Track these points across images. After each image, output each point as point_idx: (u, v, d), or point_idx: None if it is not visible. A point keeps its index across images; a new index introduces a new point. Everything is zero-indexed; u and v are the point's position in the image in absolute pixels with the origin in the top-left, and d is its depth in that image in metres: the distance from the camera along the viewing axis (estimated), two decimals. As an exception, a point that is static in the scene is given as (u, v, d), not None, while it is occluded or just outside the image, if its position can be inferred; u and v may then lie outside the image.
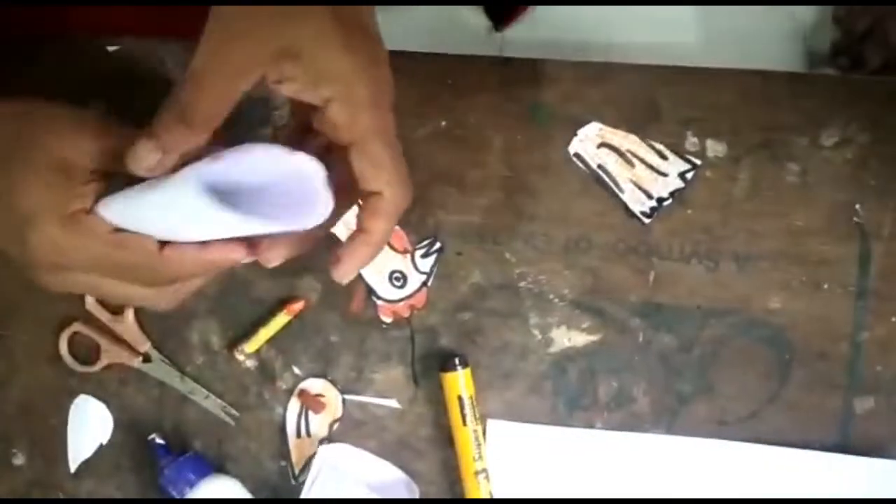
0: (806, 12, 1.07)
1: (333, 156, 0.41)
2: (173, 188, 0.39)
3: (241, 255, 0.42)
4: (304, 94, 0.38)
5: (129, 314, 0.57)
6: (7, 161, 0.41)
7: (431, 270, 0.54)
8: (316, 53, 0.37)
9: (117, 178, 0.42)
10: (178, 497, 0.54)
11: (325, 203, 0.40)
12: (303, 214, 0.40)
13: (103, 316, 0.57)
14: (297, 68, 0.37)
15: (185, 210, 0.39)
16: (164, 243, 0.41)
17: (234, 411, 0.56)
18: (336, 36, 0.37)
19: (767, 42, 1.07)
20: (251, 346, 0.55)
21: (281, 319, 0.55)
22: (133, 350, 0.57)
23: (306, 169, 0.39)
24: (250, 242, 0.42)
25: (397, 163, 0.41)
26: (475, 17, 1.12)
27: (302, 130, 0.42)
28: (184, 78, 0.37)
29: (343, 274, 0.42)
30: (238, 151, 0.39)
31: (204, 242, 0.41)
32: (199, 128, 0.38)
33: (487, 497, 0.53)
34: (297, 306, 0.55)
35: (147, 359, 0.57)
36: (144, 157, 0.38)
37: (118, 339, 0.57)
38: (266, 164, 0.39)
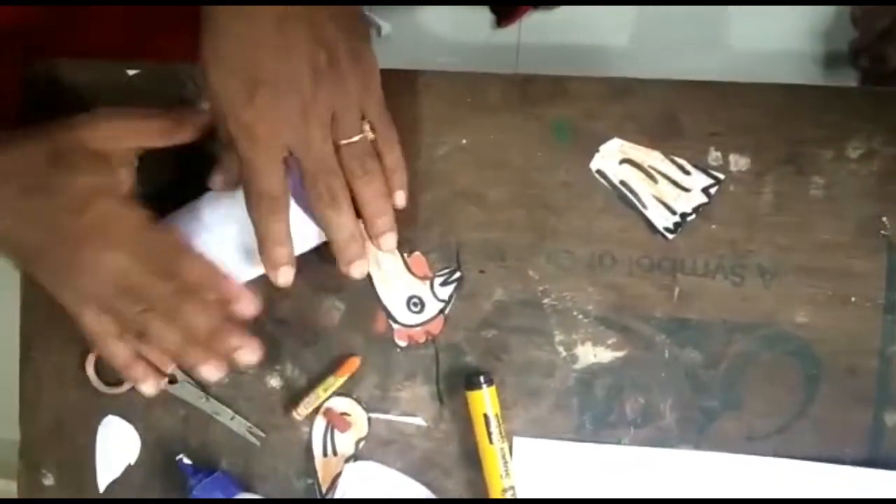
0: (823, 13, 1.06)
1: None
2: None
3: (240, 294, 0.50)
4: None
5: (155, 336, 0.57)
6: (56, 157, 0.48)
7: (450, 298, 0.54)
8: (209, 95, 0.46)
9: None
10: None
11: None
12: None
13: (129, 338, 0.57)
14: None
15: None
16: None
17: (259, 432, 0.57)
18: (213, 75, 0.44)
19: (787, 46, 1.07)
20: (306, 406, 0.55)
21: (337, 381, 0.55)
22: (158, 371, 0.57)
23: None
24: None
25: (249, 189, 0.47)
26: (476, 18, 1.13)
27: None
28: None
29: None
30: None
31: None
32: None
33: (515, 515, 0.53)
34: (352, 364, 0.55)
35: (173, 380, 0.57)
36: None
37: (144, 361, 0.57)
38: None
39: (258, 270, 0.51)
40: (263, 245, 0.48)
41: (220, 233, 0.50)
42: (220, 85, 0.43)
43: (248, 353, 0.49)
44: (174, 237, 0.49)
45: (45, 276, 0.50)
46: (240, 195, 0.48)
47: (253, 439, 0.57)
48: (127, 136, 0.50)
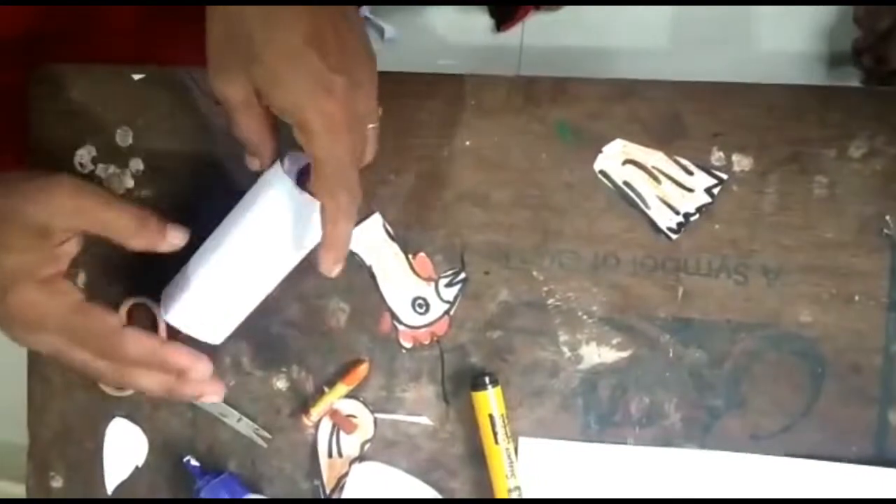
0: (826, 13, 1.06)
1: None
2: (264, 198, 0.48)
3: (192, 365, 0.48)
4: (282, 117, 0.45)
5: (162, 337, 0.57)
6: None
7: (455, 300, 0.55)
8: (271, 92, 0.43)
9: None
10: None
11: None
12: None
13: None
14: (267, 100, 0.44)
15: (281, 213, 0.47)
16: (128, 321, 0.49)
17: (266, 433, 0.57)
18: (289, 74, 0.43)
19: (790, 47, 1.07)
20: (317, 410, 0.56)
21: (346, 388, 0.56)
22: (166, 374, 0.57)
23: None
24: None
25: (339, 186, 0.45)
26: (479, 20, 1.13)
27: None
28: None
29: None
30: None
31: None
32: (264, 139, 0.47)
33: (521, 515, 0.53)
34: (362, 371, 0.56)
35: (180, 382, 0.57)
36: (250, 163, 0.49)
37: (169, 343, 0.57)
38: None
39: (267, 289, 0.51)
40: (335, 247, 0.46)
41: (231, 259, 0.49)
42: (294, 79, 0.42)
43: (214, 395, 0.50)
44: (106, 318, 0.47)
45: None
46: (243, 221, 0.48)
47: (260, 441, 0.57)
48: (83, 219, 0.46)
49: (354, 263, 0.56)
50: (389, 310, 0.55)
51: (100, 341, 0.46)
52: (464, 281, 0.55)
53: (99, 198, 0.46)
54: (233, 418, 0.57)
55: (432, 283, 0.55)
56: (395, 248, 0.55)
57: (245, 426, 0.57)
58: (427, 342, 0.55)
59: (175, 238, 0.49)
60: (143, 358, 0.47)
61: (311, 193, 0.47)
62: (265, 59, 0.42)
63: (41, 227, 0.45)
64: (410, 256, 0.55)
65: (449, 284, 0.55)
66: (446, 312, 0.55)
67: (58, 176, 0.46)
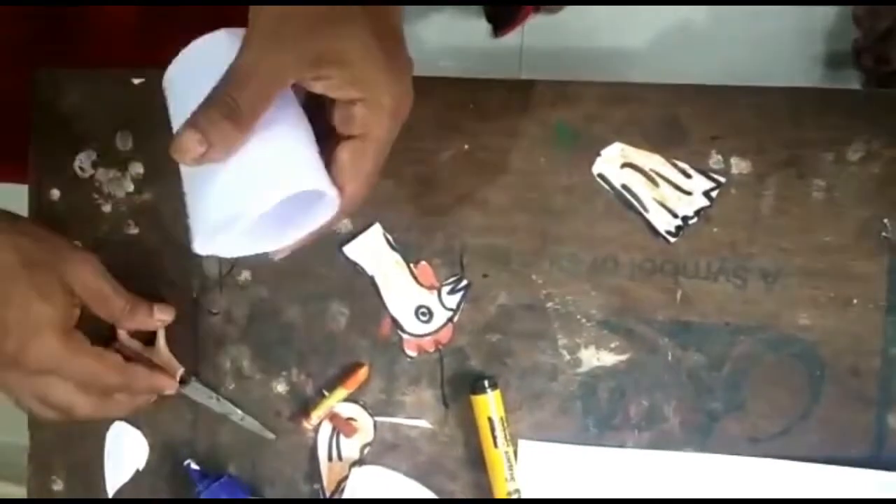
0: (826, 13, 1.06)
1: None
2: None
3: (168, 386, 0.56)
4: (334, 93, 0.40)
5: (162, 342, 0.57)
6: (22, 277, 0.50)
7: (458, 307, 0.55)
8: (356, 62, 0.39)
9: None
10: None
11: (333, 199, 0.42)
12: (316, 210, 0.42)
13: (135, 345, 0.58)
14: (333, 71, 0.39)
15: None
16: (128, 358, 0.54)
17: (271, 434, 0.57)
18: (377, 49, 0.39)
19: (788, 47, 1.07)
20: (317, 413, 0.56)
21: (345, 392, 0.56)
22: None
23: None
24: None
25: (375, 170, 0.42)
26: (479, 22, 1.13)
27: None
28: (226, 76, 0.38)
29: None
30: None
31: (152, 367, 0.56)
32: (245, 124, 0.38)
33: (520, 518, 0.53)
34: (362, 374, 0.56)
35: (183, 380, 0.57)
36: (190, 148, 0.37)
37: (152, 367, 0.58)
38: None
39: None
40: (347, 214, 0.45)
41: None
42: (383, 55, 0.39)
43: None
44: (114, 359, 0.53)
45: None
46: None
47: (268, 434, 0.57)
48: (96, 299, 0.53)
49: (355, 271, 0.56)
50: (392, 318, 0.56)
51: (107, 379, 0.52)
52: (466, 288, 0.55)
53: (111, 285, 0.53)
54: (237, 417, 0.57)
55: (435, 291, 0.55)
56: (396, 257, 0.55)
57: (250, 423, 0.57)
58: (431, 350, 0.55)
59: (163, 316, 0.56)
60: (139, 384, 0.55)
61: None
62: (356, 28, 0.39)
63: (69, 289, 0.52)
64: (412, 265, 0.55)
65: (451, 292, 0.55)
66: (450, 320, 0.55)
67: (89, 254, 0.53)
